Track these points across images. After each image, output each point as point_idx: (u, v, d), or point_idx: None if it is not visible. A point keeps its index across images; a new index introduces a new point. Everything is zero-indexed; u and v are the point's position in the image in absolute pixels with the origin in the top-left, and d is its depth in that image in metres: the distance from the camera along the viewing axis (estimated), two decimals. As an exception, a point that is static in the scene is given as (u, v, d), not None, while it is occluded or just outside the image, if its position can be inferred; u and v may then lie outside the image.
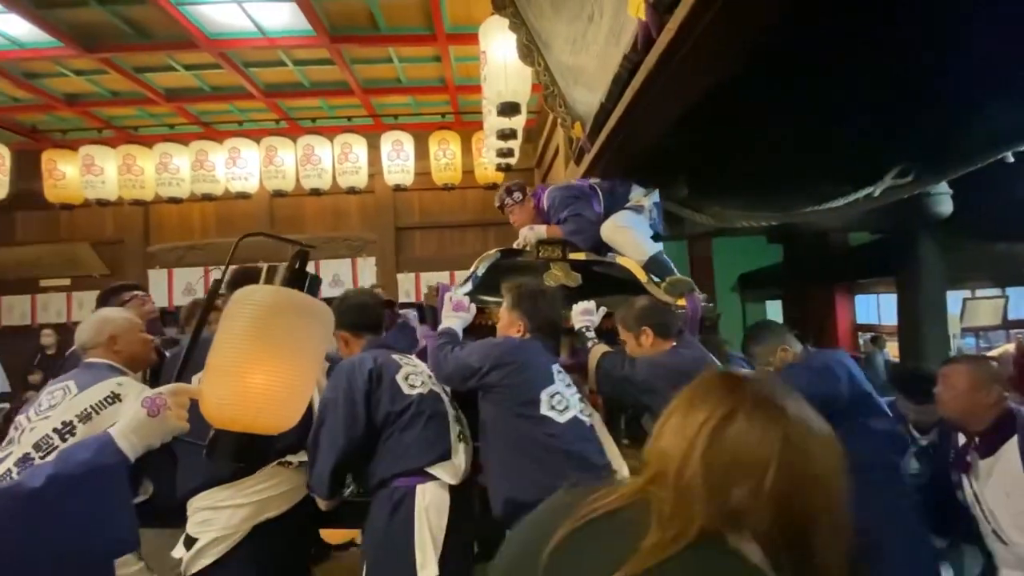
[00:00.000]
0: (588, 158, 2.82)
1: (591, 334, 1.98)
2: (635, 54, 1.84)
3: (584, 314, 2.02)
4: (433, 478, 1.60)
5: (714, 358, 1.93)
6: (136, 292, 2.61)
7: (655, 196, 2.77)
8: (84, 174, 5.24)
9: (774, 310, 8.61)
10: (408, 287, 6.16)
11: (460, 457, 1.67)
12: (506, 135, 3.93)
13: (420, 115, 5.77)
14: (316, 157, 5.37)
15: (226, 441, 0.89)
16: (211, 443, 0.91)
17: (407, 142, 5.49)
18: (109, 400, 1.67)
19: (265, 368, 0.89)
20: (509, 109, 3.44)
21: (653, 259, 2.45)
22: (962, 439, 1.83)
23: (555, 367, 1.72)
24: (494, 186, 5.65)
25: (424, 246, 6.38)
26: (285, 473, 1.74)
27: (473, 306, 2.04)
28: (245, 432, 0.89)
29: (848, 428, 2.09)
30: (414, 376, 1.73)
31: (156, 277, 5.75)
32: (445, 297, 2.05)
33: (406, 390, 1.67)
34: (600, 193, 2.78)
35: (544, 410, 1.61)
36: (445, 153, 5.46)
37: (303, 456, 1.74)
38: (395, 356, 1.79)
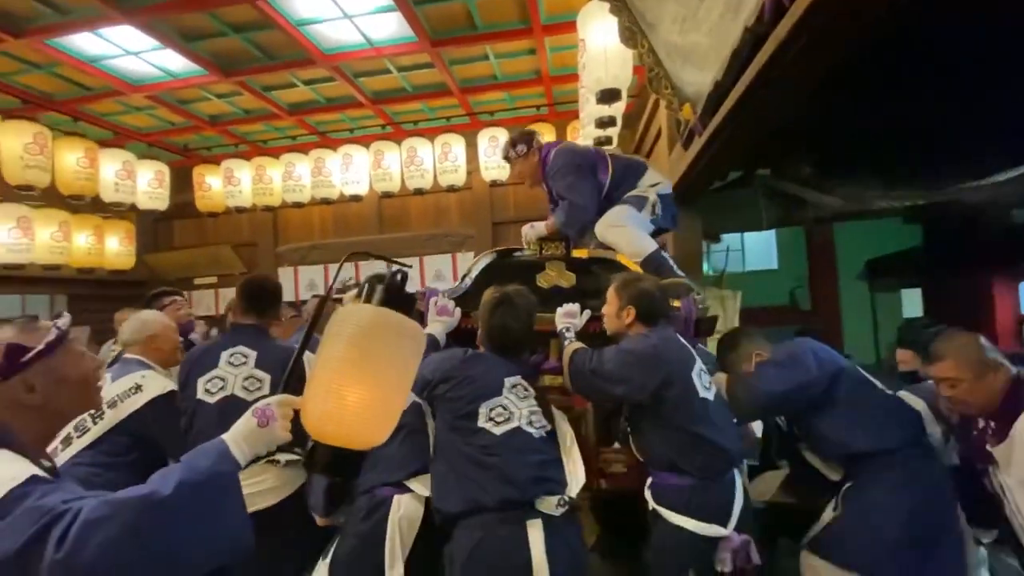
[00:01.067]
0: (699, 141, 2.66)
1: (570, 335, 1.92)
2: (760, 26, 1.69)
3: (566, 316, 1.97)
4: (409, 490, 1.67)
5: (685, 343, 1.85)
6: (175, 298, 2.98)
7: (665, 187, 2.64)
8: (225, 185, 5.96)
9: (911, 300, 7.61)
10: (505, 280, 6.29)
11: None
12: (605, 123, 3.82)
13: (515, 110, 5.81)
14: (419, 158, 5.64)
15: (324, 453, 0.95)
16: (309, 454, 0.97)
17: (503, 137, 5.55)
18: (132, 391, 1.92)
19: (363, 386, 0.93)
20: (609, 96, 3.34)
21: (649, 258, 2.33)
22: (981, 421, 1.59)
23: (510, 380, 1.70)
24: (590, 176, 5.56)
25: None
26: (273, 471, 1.87)
27: (458, 310, 2.04)
28: (341, 447, 0.94)
29: (847, 409, 1.82)
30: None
31: (284, 274, 6.38)
32: (430, 302, 2.04)
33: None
34: (611, 163, 2.67)
35: (481, 422, 1.61)
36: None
37: (291, 456, 1.84)
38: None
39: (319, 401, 0.94)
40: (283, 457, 1.87)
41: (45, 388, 0.95)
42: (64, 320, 1.03)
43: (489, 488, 1.52)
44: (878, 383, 1.90)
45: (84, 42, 4.07)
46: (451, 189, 5.85)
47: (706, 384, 1.77)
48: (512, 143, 2.88)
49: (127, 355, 2.10)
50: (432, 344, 1.91)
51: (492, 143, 5.50)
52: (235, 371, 1.97)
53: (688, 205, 3.89)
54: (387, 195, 5.90)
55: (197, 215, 6.42)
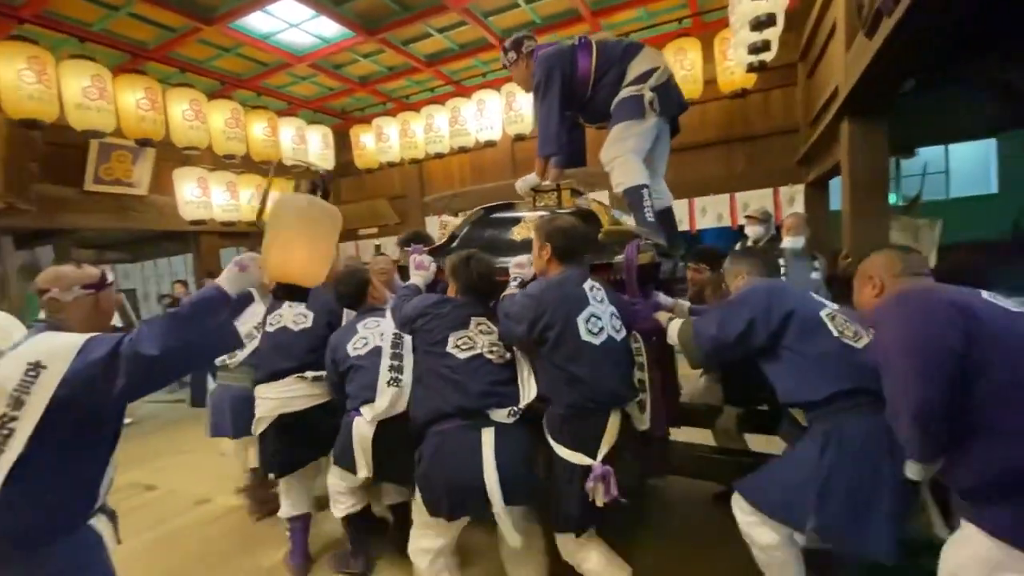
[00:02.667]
0: (888, 23, 2.14)
1: (515, 283, 2.10)
2: None
3: (517, 267, 2.15)
4: (359, 414, 2.16)
5: (585, 287, 1.89)
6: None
7: (659, 76, 2.42)
8: (377, 142, 6.50)
9: None
10: (644, 218, 5.97)
11: (384, 399, 2.10)
12: (761, 23, 3.28)
13: (653, 27, 5.28)
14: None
15: (283, 287, 1.56)
16: (275, 290, 1.58)
17: (639, 61, 5.12)
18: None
19: (298, 243, 1.54)
20: (767, -13, 2.84)
21: (627, 190, 2.37)
22: None
23: (475, 319, 2.00)
24: (743, 92, 4.90)
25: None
26: (302, 383, 2.46)
27: (434, 265, 2.35)
28: (292, 283, 1.56)
29: (789, 355, 1.71)
30: (359, 340, 2.31)
31: (431, 223, 6.88)
32: (411, 258, 2.38)
33: (350, 352, 2.28)
34: (594, 49, 2.51)
35: (449, 348, 1.91)
36: (683, 64, 4.90)
37: (318, 373, 2.44)
38: (359, 324, 2.39)
39: (273, 255, 1.52)
40: (310, 374, 2.46)
41: (104, 305, 1.49)
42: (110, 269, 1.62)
43: (449, 399, 1.84)
44: (836, 329, 1.69)
45: (257, 21, 4.64)
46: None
47: (593, 329, 1.82)
48: (503, 50, 2.76)
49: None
50: (415, 291, 2.25)
51: (627, 69, 5.10)
52: (291, 310, 2.61)
53: (868, 113, 3.21)
54: (519, 138, 5.90)
55: (356, 172, 7.15)
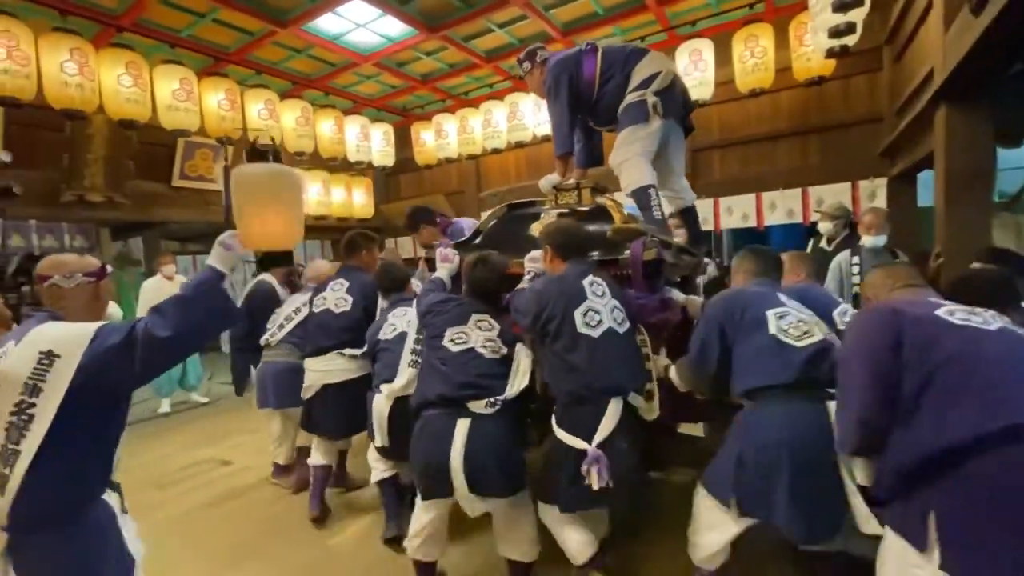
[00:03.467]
0: (1002, -1, 1.92)
1: (529, 276, 2.26)
2: None
3: (530, 261, 2.29)
4: (380, 391, 2.44)
5: (584, 282, 2.00)
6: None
7: (663, 80, 2.48)
8: (436, 139, 6.62)
9: None
10: (706, 214, 5.73)
11: (402, 378, 2.36)
12: (847, 4, 3.07)
13: (721, 14, 5.05)
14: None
15: (266, 256, 2.01)
16: (261, 260, 2.25)
17: (706, 50, 4.91)
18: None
19: (266, 211, 1.59)
20: (856, -35, 2.64)
21: (635, 191, 2.46)
22: None
23: (475, 316, 2.13)
24: (820, 80, 4.60)
25: (724, 167, 5.77)
26: (342, 359, 2.78)
27: (457, 257, 2.50)
28: (272, 249, 1.67)
29: (738, 354, 1.86)
30: (388, 326, 2.56)
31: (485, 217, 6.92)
32: (438, 252, 2.54)
33: (381, 335, 2.56)
34: (600, 55, 2.61)
35: (444, 342, 2.07)
36: (753, 52, 4.66)
37: (355, 351, 2.73)
38: (390, 314, 2.64)
39: (245, 228, 1.59)
40: (349, 352, 2.76)
41: (101, 294, 1.57)
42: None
43: (435, 387, 1.99)
44: (776, 327, 1.80)
45: (327, 23, 4.83)
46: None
47: (591, 322, 1.93)
48: (519, 60, 2.91)
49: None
50: (439, 285, 2.43)
51: (694, 57, 4.91)
52: (333, 293, 2.91)
53: (969, 99, 2.92)
54: (579, 131, 5.81)
55: (416, 168, 7.31)
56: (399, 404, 2.36)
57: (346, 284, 2.94)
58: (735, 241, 7.57)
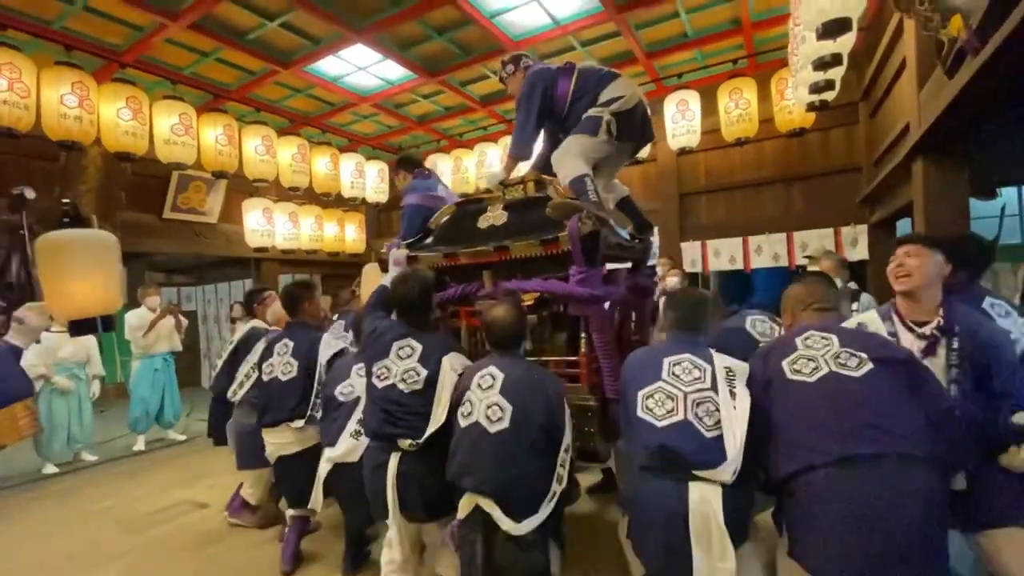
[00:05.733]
0: (974, 63, 2.07)
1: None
2: None
3: (395, 263, 2.51)
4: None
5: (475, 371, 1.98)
6: (269, 293, 3.62)
7: (623, 103, 2.57)
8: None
9: None
10: (694, 256, 5.86)
11: (340, 448, 2.37)
12: (826, 63, 3.24)
13: (706, 68, 5.32)
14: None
15: (75, 323, 1.66)
16: (71, 327, 1.69)
17: (693, 100, 5.14)
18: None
19: (75, 278, 1.62)
20: (835, 28, 2.81)
21: (572, 181, 2.46)
22: None
23: (397, 344, 2.12)
24: (801, 131, 4.82)
25: (711, 211, 5.94)
26: (290, 431, 2.68)
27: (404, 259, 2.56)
28: (83, 316, 1.66)
29: None
30: (347, 386, 2.51)
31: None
32: (391, 255, 2.57)
33: (337, 392, 2.50)
34: (576, 75, 2.71)
35: (373, 378, 2.11)
36: (738, 103, 4.90)
37: (299, 424, 2.65)
38: (355, 368, 2.51)
39: (51, 298, 1.61)
40: (295, 424, 2.69)
41: None
42: None
43: (371, 422, 2.12)
44: (640, 406, 1.79)
45: (329, 65, 4.97)
46: (635, 162, 5.64)
47: (464, 412, 1.93)
48: (503, 63, 3.01)
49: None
50: (380, 294, 2.38)
51: (681, 107, 5.13)
52: (280, 358, 2.80)
53: (946, 152, 3.08)
54: (570, 174, 5.97)
55: (409, 205, 7.39)
56: (339, 470, 2.36)
57: (290, 346, 2.82)
58: (721, 282, 7.70)
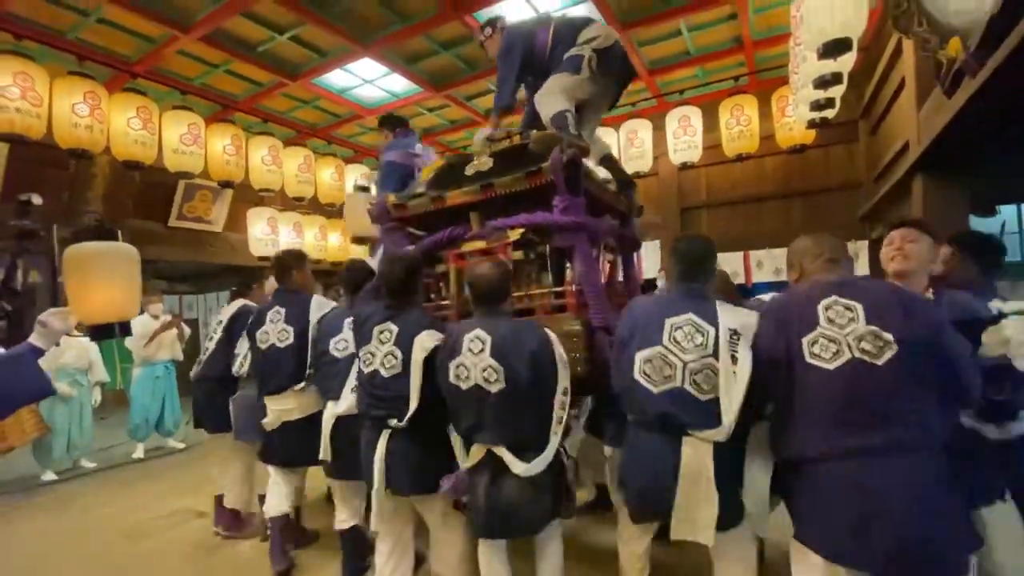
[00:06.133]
0: (972, 84, 2.11)
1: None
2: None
3: None
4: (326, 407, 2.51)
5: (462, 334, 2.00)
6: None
7: (602, 41, 2.67)
8: (434, 188, 6.79)
9: None
10: (696, 269, 5.89)
11: (344, 403, 2.39)
12: (827, 82, 3.30)
13: (708, 85, 5.40)
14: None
15: (95, 328, 1.78)
16: (91, 332, 1.81)
17: (694, 116, 5.22)
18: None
19: (99, 287, 1.73)
20: (836, 48, 2.87)
21: (553, 117, 2.55)
22: None
23: (378, 328, 2.16)
24: (802, 148, 4.87)
25: (712, 225, 5.98)
26: (292, 396, 2.69)
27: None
28: (103, 322, 1.77)
29: None
30: (340, 340, 2.52)
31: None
32: (380, 238, 2.66)
33: (331, 348, 2.53)
34: (552, 26, 2.80)
35: (361, 363, 2.20)
36: (739, 120, 4.97)
37: (301, 386, 2.66)
38: (345, 322, 2.51)
39: (76, 303, 1.71)
40: (297, 387, 2.70)
41: None
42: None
43: (360, 404, 2.23)
44: (637, 370, 1.84)
45: (336, 78, 5.05)
46: (636, 175, 5.70)
47: (461, 375, 1.97)
48: (480, 27, 3.10)
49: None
50: (376, 279, 2.45)
51: (683, 123, 5.20)
52: (274, 326, 2.79)
53: (945, 169, 3.13)
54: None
55: (412, 216, 7.45)
56: (343, 422, 2.40)
57: (283, 312, 2.82)
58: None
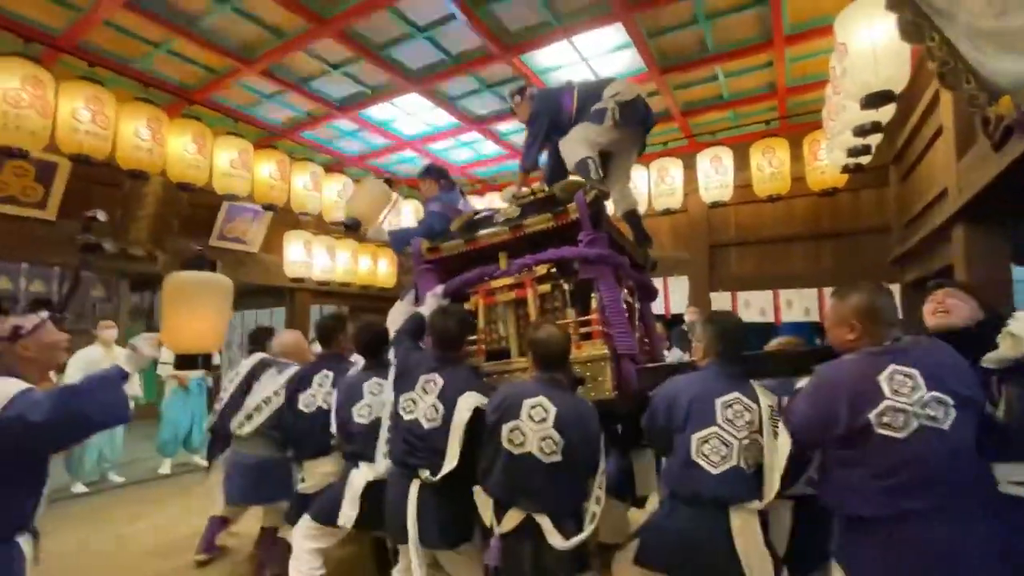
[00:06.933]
0: (1024, 140, 2.19)
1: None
2: None
3: None
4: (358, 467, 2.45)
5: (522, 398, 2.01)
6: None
7: (624, 95, 2.87)
8: (464, 217, 6.94)
9: None
10: (724, 306, 5.91)
11: (380, 467, 2.36)
12: (866, 130, 3.40)
13: (739, 127, 5.54)
14: (632, 184, 5.76)
15: (183, 357, 1.84)
16: (177, 361, 1.87)
17: (726, 156, 5.34)
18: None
19: (194, 317, 1.79)
20: (878, 99, 2.97)
21: (577, 164, 2.77)
22: None
23: (424, 378, 2.21)
24: (833, 191, 4.96)
25: (742, 263, 6.04)
26: (335, 459, 2.68)
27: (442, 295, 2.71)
28: (190, 352, 1.84)
29: None
30: (363, 407, 2.52)
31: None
32: (429, 295, 2.69)
33: (355, 417, 2.51)
34: (576, 91, 3.04)
35: (399, 408, 2.23)
36: (771, 162, 5.08)
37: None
38: (365, 386, 2.54)
39: (169, 330, 1.78)
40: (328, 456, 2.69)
41: (24, 352, 1.63)
42: (44, 313, 1.75)
43: (394, 449, 2.24)
44: (694, 450, 1.90)
45: (380, 111, 5.27)
46: (666, 212, 5.80)
47: (514, 440, 1.95)
48: (511, 94, 3.34)
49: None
50: (414, 327, 2.50)
51: (714, 163, 5.33)
52: (321, 389, 2.83)
53: (989, 219, 3.17)
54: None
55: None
56: (375, 487, 2.33)
57: (331, 377, 2.84)
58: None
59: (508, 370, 2.51)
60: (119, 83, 4.38)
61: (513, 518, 1.91)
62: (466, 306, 2.77)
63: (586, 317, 2.45)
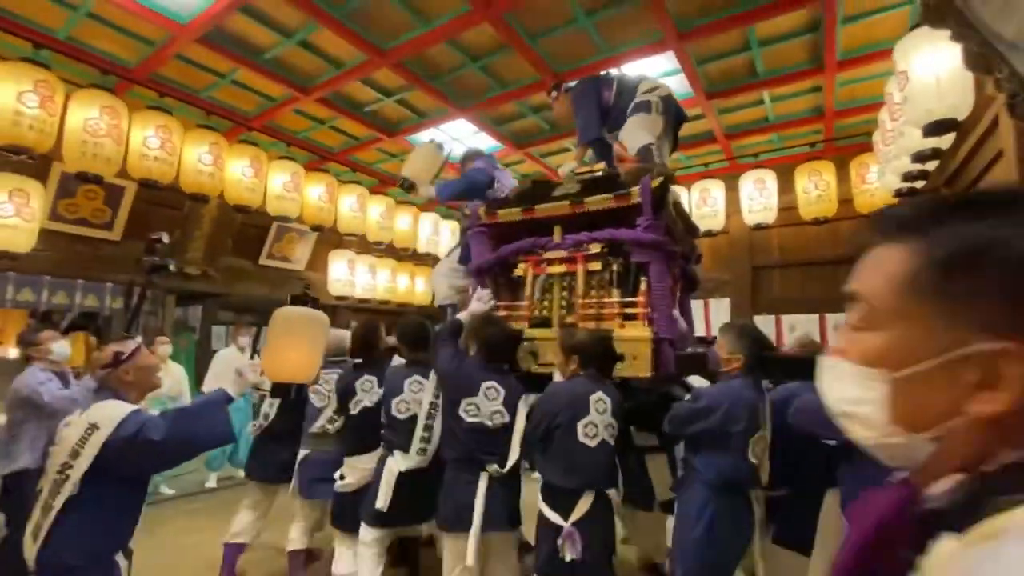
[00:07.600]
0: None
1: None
2: None
3: (478, 300, 2.85)
4: (393, 455, 2.66)
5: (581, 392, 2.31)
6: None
7: (662, 91, 3.09)
8: (501, 237, 7.03)
9: None
10: (767, 329, 5.82)
11: (411, 461, 2.58)
12: (925, 157, 3.38)
13: (782, 149, 5.52)
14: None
15: (278, 386, 1.96)
16: (273, 388, 2.06)
17: (769, 179, 5.31)
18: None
19: (293, 350, 1.92)
20: (941, 128, 2.95)
21: (639, 150, 2.90)
22: None
23: (485, 384, 2.35)
24: (884, 215, 4.87)
25: (785, 286, 5.95)
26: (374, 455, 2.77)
27: (493, 301, 2.80)
28: (287, 381, 1.94)
29: None
30: (401, 403, 2.68)
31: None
32: (476, 292, 2.83)
33: (393, 412, 2.67)
34: (615, 83, 3.20)
35: (460, 411, 2.34)
36: (817, 185, 5.03)
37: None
38: (406, 382, 2.68)
39: (270, 360, 1.90)
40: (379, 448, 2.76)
41: (127, 377, 1.74)
42: (139, 338, 1.88)
43: (455, 450, 2.40)
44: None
45: (426, 136, 5.40)
46: (708, 234, 5.77)
47: (590, 433, 2.19)
48: (548, 91, 3.53)
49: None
50: (454, 332, 2.57)
51: (758, 185, 5.30)
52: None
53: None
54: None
55: (475, 262, 7.69)
56: (406, 475, 2.56)
57: (374, 381, 2.93)
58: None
59: (551, 338, 2.60)
60: (183, 111, 4.61)
61: (587, 501, 2.15)
62: (515, 273, 2.89)
63: (632, 299, 2.56)
